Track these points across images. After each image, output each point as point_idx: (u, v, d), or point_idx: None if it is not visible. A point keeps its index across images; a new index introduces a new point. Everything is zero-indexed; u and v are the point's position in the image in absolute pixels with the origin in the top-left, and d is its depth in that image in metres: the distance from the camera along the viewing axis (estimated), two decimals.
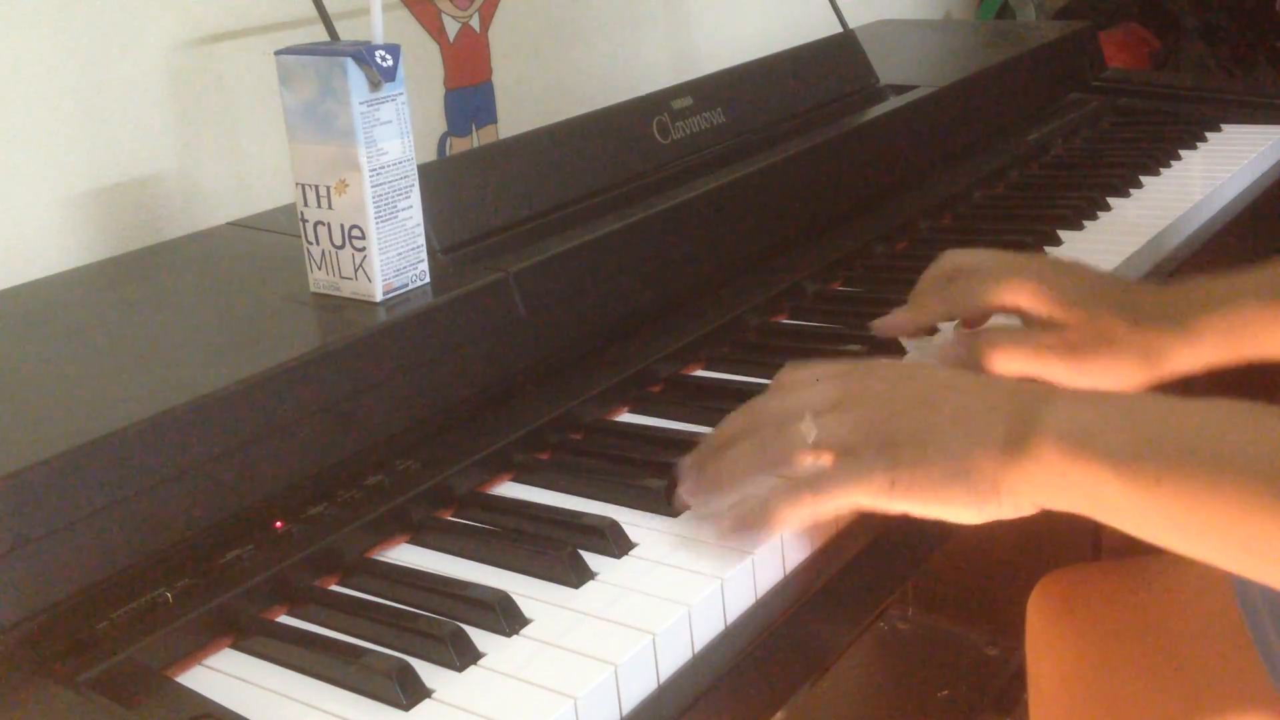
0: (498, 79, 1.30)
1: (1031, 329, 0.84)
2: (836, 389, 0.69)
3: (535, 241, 0.91)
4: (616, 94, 1.17)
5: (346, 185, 0.79)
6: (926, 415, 0.66)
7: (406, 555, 0.71)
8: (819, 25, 1.42)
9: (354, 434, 0.74)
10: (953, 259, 0.89)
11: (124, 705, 0.58)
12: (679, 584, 0.65)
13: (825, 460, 0.68)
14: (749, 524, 0.68)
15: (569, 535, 0.70)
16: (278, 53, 0.80)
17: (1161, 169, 1.30)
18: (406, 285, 0.82)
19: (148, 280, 0.92)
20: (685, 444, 0.75)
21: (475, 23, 1.27)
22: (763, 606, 0.67)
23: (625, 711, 0.60)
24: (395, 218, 0.80)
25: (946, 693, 1.61)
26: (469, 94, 1.27)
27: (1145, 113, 1.51)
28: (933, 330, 0.92)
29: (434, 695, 0.59)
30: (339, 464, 0.73)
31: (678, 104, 1.09)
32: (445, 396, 0.79)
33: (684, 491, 0.71)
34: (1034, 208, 1.21)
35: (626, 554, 0.69)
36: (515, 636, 0.62)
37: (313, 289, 0.83)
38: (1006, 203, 1.25)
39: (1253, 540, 0.59)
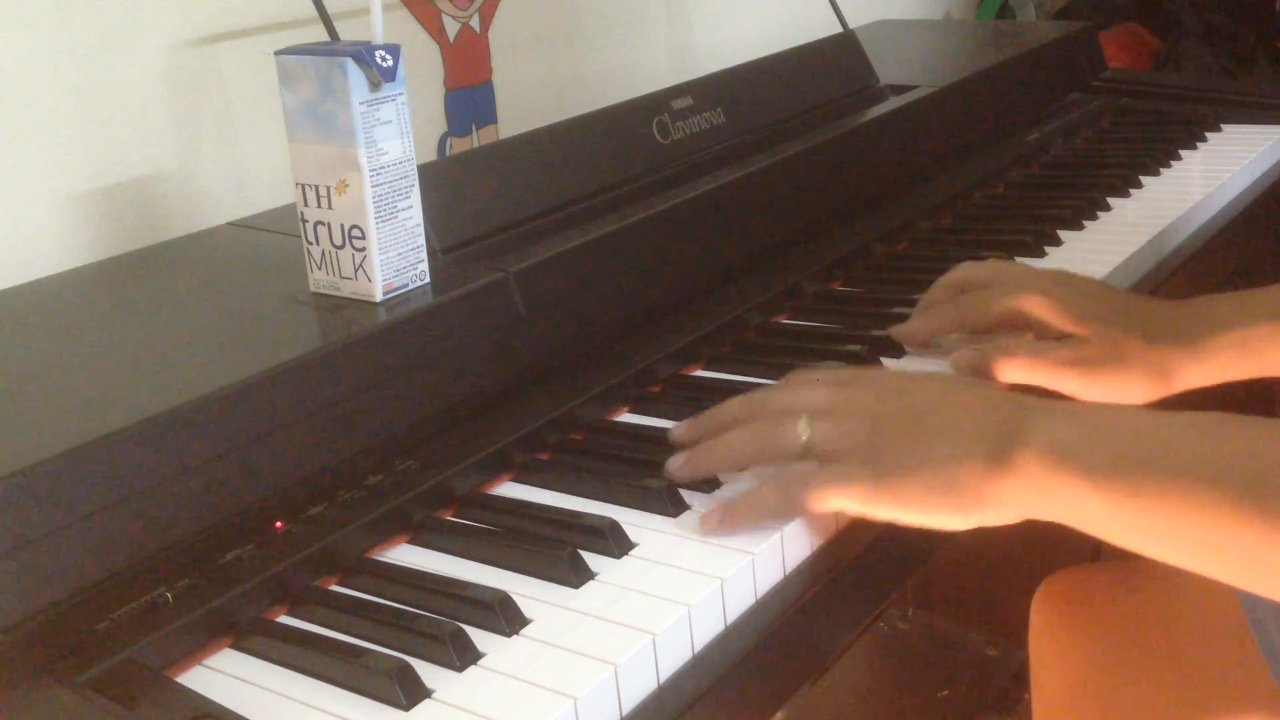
0: (498, 79, 1.30)
1: (1044, 342, 0.85)
2: (831, 396, 0.72)
3: (535, 241, 0.91)
4: (616, 94, 1.17)
5: (346, 185, 0.79)
6: (913, 429, 0.69)
7: (406, 555, 0.71)
8: (819, 25, 1.42)
9: (354, 434, 0.74)
10: (967, 270, 0.90)
11: (124, 705, 0.58)
12: (679, 584, 0.65)
13: (814, 462, 0.70)
14: (735, 516, 0.69)
15: (569, 535, 0.70)
16: (278, 53, 0.79)
17: (1161, 169, 1.30)
18: (406, 285, 0.82)
19: (148, 280, 0.92)
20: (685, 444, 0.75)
21: (475, 23, 1.27)
22: (763, 606, 0.67)
23: (625, 711, 0.60)
24: (395, 218, 0.80)
25: (946, 693, 1.61)
26: (469, 94, 1.27)
27: (1145, 113, 1.51)
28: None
29: (434, 695, 0.59)
30: (339, 464, 0.73)
31: (678, 104, 1.09)
32: (445, 396, 0.79)
33: (672, 465, 0.74)
34: (1034, 208, 1.21)
35: (626, 554, 0.69)
36: (515, 636, 0.62)
37: (313, 289, 0.83)
38: (1006, 203, 1.25)
39: (1228, 547, 0.60)
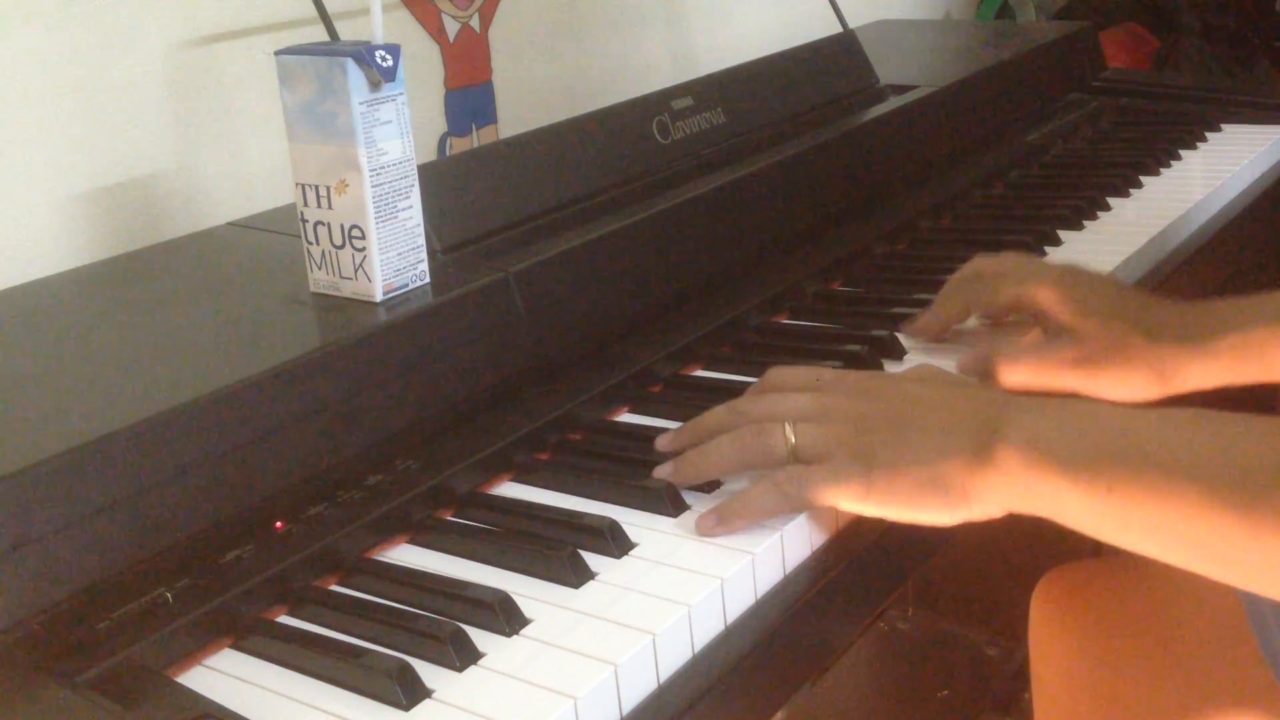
0: (498, 79, 1.30)
1: (1045, 343, 0.85)
2: (813, 403, 0.73)
3: (535, 241, 0.91)
4: (616, 94, 1.17)
5: (346, 185, 0.79)
6: (898, 427, 0.69)
7: (406, 555, 0.71)
8: (819, 25, 1.42)
9: (354, 434, 0.74)
10: (980, 262, 0.92)
11: (124, 705, 0.58)
12: (679, 584, 0.65)
13: (802, 465, 0.71)
14: (731, 518, 0.70)
15: (569, 535, 0.70)
16: (278, 53, 0.79)
17: (1161, 169, 1.30)
18: (406, 285, 0.82)
19: (148, 280, 0.92)
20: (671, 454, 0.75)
21: (475, 23, 1.27)
22: (763, 606, 0.68)
23: (625, 711, 0.60)
24: (395, 218, 0.80)
25: (946, 693, 1.61)
26: (469, 94, 1.27)
27: (1145, 113, 1.51)
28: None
29: (434, 695, 0.59)
30: (339, 464, 0.73)
31: (678, 104, 1.09)
32: (445, 396, 0.79)
33: (659, 475, 0.74)
34: (1034, 208, 1.21)
35: (626, 554, 0.69)
36: (515, 636, 0.62)
37: (313, 289, 0.83)
38: (1006, 203, 1.25)
39: (1202, 540, 0.60)
